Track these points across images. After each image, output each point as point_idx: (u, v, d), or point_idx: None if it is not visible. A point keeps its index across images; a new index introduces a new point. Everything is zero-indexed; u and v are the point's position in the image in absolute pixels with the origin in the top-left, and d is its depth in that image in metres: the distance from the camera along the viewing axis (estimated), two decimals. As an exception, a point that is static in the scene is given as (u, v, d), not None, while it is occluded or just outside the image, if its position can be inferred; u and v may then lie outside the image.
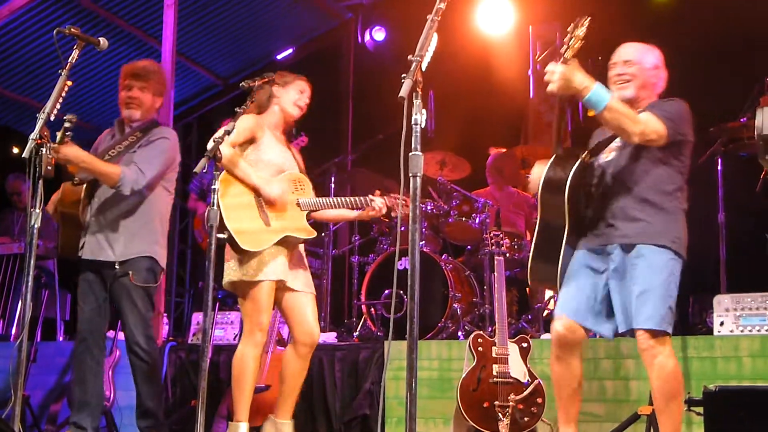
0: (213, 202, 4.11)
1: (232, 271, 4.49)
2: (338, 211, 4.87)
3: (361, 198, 4.68)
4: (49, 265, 7.18)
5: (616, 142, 3.97)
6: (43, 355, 6.19)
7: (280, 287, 4.55)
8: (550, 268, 3.90)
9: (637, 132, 3.69)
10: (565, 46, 3.73)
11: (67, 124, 4.51)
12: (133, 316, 4.71)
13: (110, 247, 4.71)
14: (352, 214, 4.89)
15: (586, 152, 3.94)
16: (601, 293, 3.94)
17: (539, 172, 4.07)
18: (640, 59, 3.97)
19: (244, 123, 4.54)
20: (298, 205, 4.63)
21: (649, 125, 3.71)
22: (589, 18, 3.82)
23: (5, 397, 5.75)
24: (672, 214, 3.90)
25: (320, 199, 4.76)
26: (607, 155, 4.00)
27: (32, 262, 3.96)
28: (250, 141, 4.63)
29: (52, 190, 4.41)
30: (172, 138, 4.90)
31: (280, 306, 4.67)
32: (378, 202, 4.62)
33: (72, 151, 4.50)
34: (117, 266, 4.67)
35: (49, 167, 4.15)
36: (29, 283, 3.96)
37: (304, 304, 4.65)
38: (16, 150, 4.44)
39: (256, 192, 4.52)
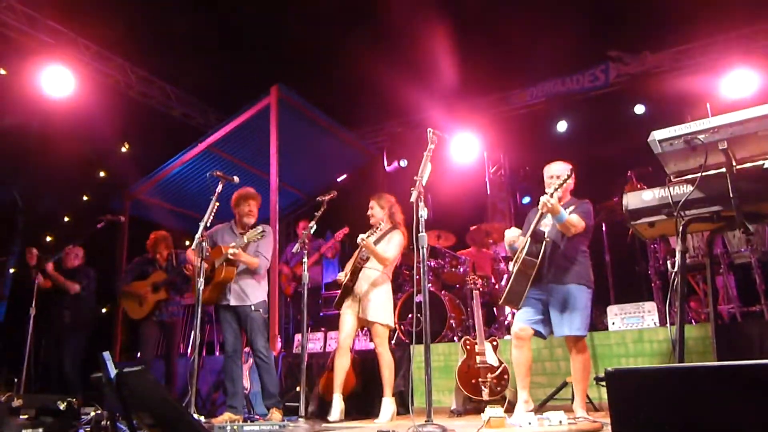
0: (305, 268, 4.33)
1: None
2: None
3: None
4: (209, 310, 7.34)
5: (548, 221, 3.99)
6: (207, 364, 6.31)
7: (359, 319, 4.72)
8: (517, 296, 3.89)
9: (573, 231, 3.84)
10: (554, 187, 3.79)
11: (245, 239, 4.68)
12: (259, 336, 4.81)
13: (247, 297, 4.85)
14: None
15: (546, 236, 3.94)
16: (541, 311, 3.97)
17: (513, 234, 4.16)
18: (561, 173, 4.00)
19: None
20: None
21: (578, 226, 3.86)
22: (572, 168, 3.94)
23: (185, 391, 5.90)
24: (585, 264, 3.98)
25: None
26: (544, 229, 4.01)
27: (199, 308, 4.10)
28: None
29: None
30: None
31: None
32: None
33: (240, 252, 4.70)
34: (252, 307, 4.81)
35: (207, 253, 4.40)
36: (198, 321, 4.08)
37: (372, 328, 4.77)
38: (187, 243, 4.61)
39: None
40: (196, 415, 3.93)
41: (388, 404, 4.58)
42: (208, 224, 4.24)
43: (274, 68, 7.88)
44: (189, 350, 7.09)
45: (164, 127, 9.10)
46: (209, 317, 6.90)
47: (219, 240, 4.89)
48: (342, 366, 4.67)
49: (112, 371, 2.21)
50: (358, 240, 4.61)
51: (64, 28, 7.79)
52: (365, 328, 5.14)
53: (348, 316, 4.72)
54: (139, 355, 5.99)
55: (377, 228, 4.66)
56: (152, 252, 6.09)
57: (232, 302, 4.82)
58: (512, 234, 4.18)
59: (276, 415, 4.64)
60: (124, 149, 9.08)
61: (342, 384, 4.66)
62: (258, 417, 5.01)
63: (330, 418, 4.49)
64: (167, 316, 5.93)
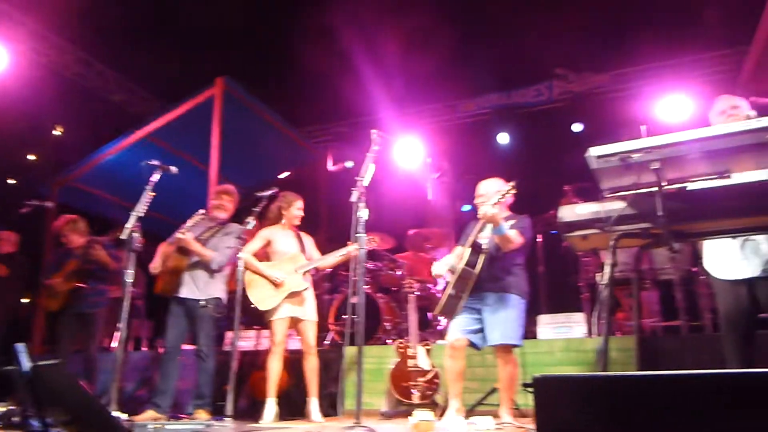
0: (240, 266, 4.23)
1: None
2: (329, 261, 4.88)
3: (344, 249, 4.72)
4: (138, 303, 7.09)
5: (486, 233, 4.03)
6: (133, 360, 6.09)
7: (293, 319, 4.67)
8: (452, 307, 3.93)
9: (511, 247, 3.90)
10: (497, 197, 3.82)
11: (189, 223, 4.65)
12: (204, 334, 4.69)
13: (199, 291, 4.73)
14: (338, 259, 4.84)
15: (485, 247, 3.99)
16: (477, 321, 4.01)
17: (439, 271, 4.17)
18: (488, 191, 4.08)
19: (260, 235, 4.78)
20: (296, 271, 4.73)
21: (516, 241, 3.91)
22: (514, 183, 3.95)
23: (107, 387, 5.65)
24: (521, 276, 4.05)
25: (313, 261, 4.83)
26: (483, 241, 4.04)
27: (127, 302, 3.93)
28: (268, 243, 4.80)
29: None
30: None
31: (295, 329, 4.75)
32: (353, 248, 4.62)
33: (190, 237, 4.65)
34: (202, 302, 4.68)
35: (138, 244, 4.24)
36: (125, 315, 3.92)
37: (305, 327, 4.74)
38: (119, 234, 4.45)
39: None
40: (116, 413, 3.77)
41: (317, 404, 4.61)
42: (141, 214, 4.08)
43: (221, 61, 7.72)
44: (115, 345, 6.75)
45: (102, 113, 8.75)
46: (138, 310, 6.65)
47: (192, 232, 4.80)
48: (279, 369, 4.65)
49: (26, 364, 2.10)
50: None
51: (-1, 2, 7.41)
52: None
53: (285, 318, 4.69)
54: (55, 348, 5.69)
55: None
56: (62, 238, 5.73)
57: (183, 294, 4.71)
58: (439, 270, 4.20)
59: (202, 415, 4.53)
60: (57, 132, 8.66)
61: (276, 387, 4.62)
62: (183, 416, 4.86)
63: (262, 422, 4.43)
64: (86, 307, 5.58)
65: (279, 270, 4.71)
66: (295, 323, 4.73)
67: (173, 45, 7.93)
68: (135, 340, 7.09)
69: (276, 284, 4.66)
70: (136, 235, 4.07)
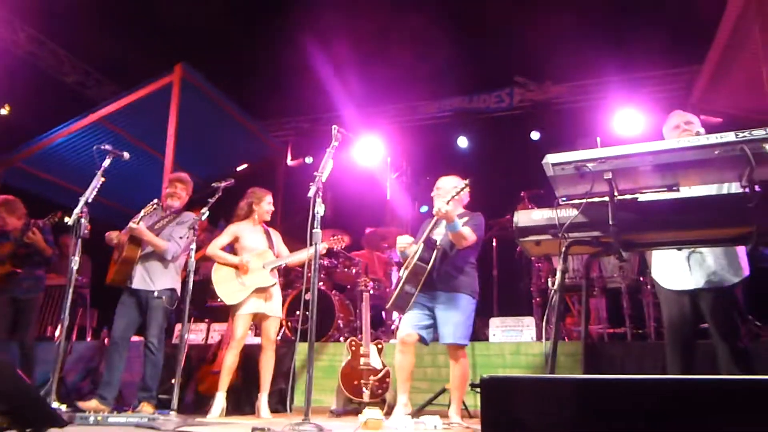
0: (192, 257, 4.15)
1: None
2: (296, 259, 4.85)
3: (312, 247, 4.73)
4: (84, 292, 6.88)
5: (441, 230, 4.07)
6: (77, 350, 5.92)
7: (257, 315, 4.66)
8: (404, 302, 3.94)
9: (464, 244, 3.94)
10: (451, 194, 3.85)
11: (142, 213, 4.52)
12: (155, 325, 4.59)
13: (152, 282, 4.63)
14: (305, 257, 4.76)
15: (438, 244, 4.00)
16: (428, 317, 4.04)
17: (405, 241, 4.17)
18: (445, 186, 4.14)
19: (228, 230, 4.78)
20: (264, 267, 4.71)
21: (470, 239, 3.95)
22: (468, 181, 4.00)
23: (47, 378, 5.44)
24: (472, 275, 4.09)
25: (282, 258, 4.82)
26: (437, 237, 4.08)
27: (71, 290, 3.84)
28: (236, 239, 4.78)
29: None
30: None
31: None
32: (322, 246, 4.63)
33: (142, 227, 4.53)
34: (155, 293, 4.58)
35: (86, 230, 4.10)
36: (68, 303, 3.82)
37: (269, 323, 4.73)
38: (66, 219, 4.26)
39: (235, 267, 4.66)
40: (56, 404, 3.66)
41: (266, 400, 4.59)
42: (89, 199, 3.97)
43: (182, 48, 7.55)
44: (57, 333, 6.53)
45: (54, 93, 8.45)
46: (83, 299, 6.45)
47: (146, 221, 4.67)
48: (235, 363, 4.63)
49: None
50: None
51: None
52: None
53: (249, 314, 4.68)
54: None
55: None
56: None
57: (135, 285, 4.60)
58: (404, 241, 4.22)
59: (147, 408, 4.44)
60: (3, 111, 8.31)
61: (228, 382, 4.59)
62: (127, 409, 4.74)
63: (209, 416, 4.38)
64: (21, 293, 5.30)
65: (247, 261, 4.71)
66: (258, 318, 4.72)
67: (133, 29, 7.74)
68: (79, 330, 6.86)
69: (240, 269, 4.64)
70: (83, 221, 3.96)
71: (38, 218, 5.37)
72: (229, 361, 4.59)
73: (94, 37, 7.77)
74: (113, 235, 4.74)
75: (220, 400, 4.47)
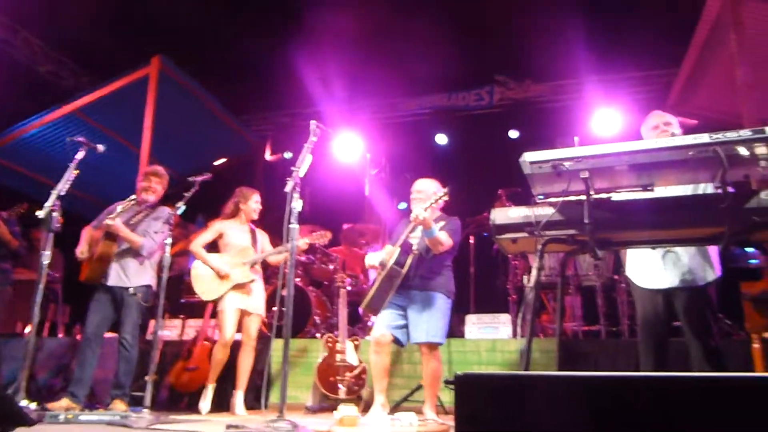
0: (167, 253, 4.11)
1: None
2: (275, 256, 4.85)
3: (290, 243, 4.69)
4: (56, 287, 6.76)
5: (417, 234, 4.04)
6: (48, 347, 5.81)
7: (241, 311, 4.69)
8: (378, 304, 3.94)
9: (441, 249, 3.93)
10: (431, 201, 3.84)
11: (119, 208, 4.47)
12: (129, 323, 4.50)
13: (127, 278, 4.55)
14: (285, 255, 4.74)
15: (415, 248, 4.01)
16: (402, 317, 4.04)
17: (372, 261, 4.17)
18: (424, 189, 4.16)
19: (213, 228, 4.80)
20: (244, 264, 4.71)
21: (446, 244, 3.95)
22: (448, 189, 3.99)
23: (15, 375, 5.34)
24: (447, 276, 4.09)
25: (261, 253, 4.84)
26: (413, 241, 4.06)
27: (42, 285, 3.79)
28: (221, 236, 4.79)
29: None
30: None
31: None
32: (301, 242, 4.71)
33: (119, 223, 4.45)
34: (131, 290, 4.50)
35: (58, 224, 4.01)
36: (38, 298, 3.77)
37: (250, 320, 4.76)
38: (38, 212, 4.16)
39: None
40: (26, 402, 3.58)
41: (242, 397, 4.61)
42: (62, 192, 3.90)
43: (160, 40, 7.43)
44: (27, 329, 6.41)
45: (26, 83, 8.26)
46: (55, 295, 6.33)
47: (122, 217, 4.58)
48: (224, 359, 4.69)
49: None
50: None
51: None
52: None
53: (234, 309, 4.70)
54: None
55: None
56: None
57: (110, 282, 4.50)
58: (372, 260, 4.21)
59: (120, 405, 4.36)
60: (-27, 100, 8.12)
61: (217, 375, 4.67)
62: (99, 406, 4.66)
63: (202, 409, 4.52)
64: None
65: (226, 263, 4.72)
66: (240, 315, 4.73)
67: (110, 20, 7.59)
68: (51, 326, 6.74)
69: (221, 276, 4.67)
70: (55, 214, 3.88)
71: (3, 210, 5.26)
72: (219, 355, 4.66)
73: (70, 27, 7.61)
74: (84, 249, 4.58)
75: (209, 393, 4.59)
